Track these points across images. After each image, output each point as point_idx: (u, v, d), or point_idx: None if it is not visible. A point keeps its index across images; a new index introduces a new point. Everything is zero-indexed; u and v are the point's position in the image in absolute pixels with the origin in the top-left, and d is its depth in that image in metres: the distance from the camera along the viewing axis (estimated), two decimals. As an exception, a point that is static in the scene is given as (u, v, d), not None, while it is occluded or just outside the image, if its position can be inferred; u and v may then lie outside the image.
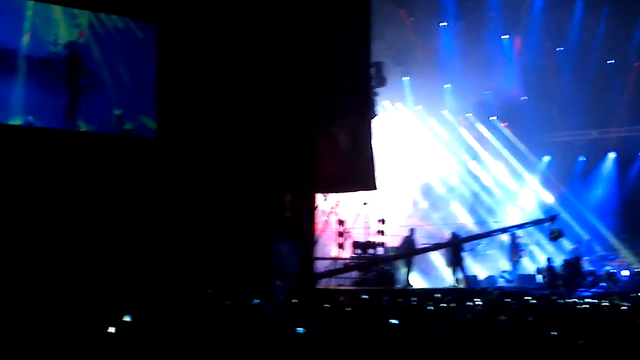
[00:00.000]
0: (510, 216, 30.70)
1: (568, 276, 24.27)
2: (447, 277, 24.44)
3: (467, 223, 28.81)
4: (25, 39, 18.60)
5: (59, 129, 18.94)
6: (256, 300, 14.13)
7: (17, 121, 18.36)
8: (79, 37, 19.43)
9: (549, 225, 24.65)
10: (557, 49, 32.34)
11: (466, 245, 24.53)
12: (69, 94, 19.28)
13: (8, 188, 17.48)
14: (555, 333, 10.55)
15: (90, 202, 18.60)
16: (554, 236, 24.54)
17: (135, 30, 20.22)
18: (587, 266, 26.76)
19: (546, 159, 33.56)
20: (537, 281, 25.07)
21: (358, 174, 22.37)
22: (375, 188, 22.83)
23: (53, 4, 19.09)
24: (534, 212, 30.97)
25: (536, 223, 25.66)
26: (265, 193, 21.72)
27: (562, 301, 17.39)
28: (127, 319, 9.99)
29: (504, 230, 25.42)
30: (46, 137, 18.54)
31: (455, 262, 24.03)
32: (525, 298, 17.72)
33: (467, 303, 15.99)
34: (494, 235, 25.52)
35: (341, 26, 22.12)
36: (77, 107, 19.40)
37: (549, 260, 25.08)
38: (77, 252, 17.83)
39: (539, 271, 25.53)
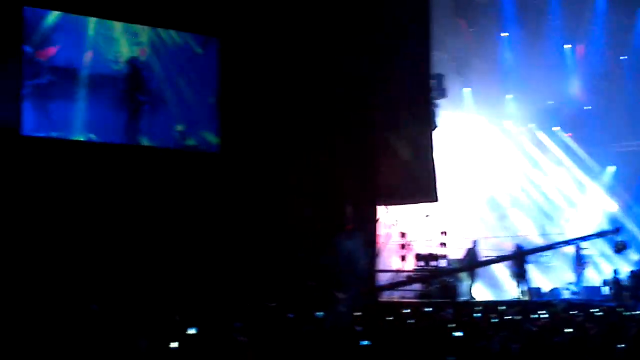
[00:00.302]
0: (573, 227, 30.23)
1: (635, 287, 23.85)
2: (511, 290, 24.15)
3: (531, 235, 28.43)
4: (87, 56, 18.94)
5: (121, 144, 19.25)
6: (319, 313, 14.09)
7: (79, 137, 18.69)
8: (140, 54, 19.73)
9: (613, 237, 24.34)
10: (620, 57, 31.90)
11: (530, 257, 24.25)
12: (130, 111, 19.57)
13: (73, 202, 17.77)
14: (623, 346, 10.35)
15: (154, 215, 18.84)
16: (619, 248, 24.23)
17: (194, 47, 20.48)
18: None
19: (611, 169, 33.04)
20: (603, 293, 24.69)
21: (419, 186, 22.31)
22: (436, 200, 22.75)
23: (114, 20, 19.40)
24: (599, 223, 30.54)
25: (600, 235, 25.26)
26: (326, 205, 21.73)
27: (629, 313, 17.06)
28: (192, 331, 10.04)
29: (567, 242, 25.06)
30: (109, 153, 18.84)
31: (519, 274, 23.77)
32: (591, 310, 17.46)
33: (532, 315, 15.81)
34: (557, 247, 25.17)
35: (402, 37, 22.14)
36: (139, 124, 19.67)
37: (615, 271, 24.68)
38: (144, 265, 18.05)
39: (605, 283, 25.14)
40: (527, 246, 24.91)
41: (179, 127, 20.06)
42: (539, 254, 25.65)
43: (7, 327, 10.40)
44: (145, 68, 19.76)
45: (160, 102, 19.84)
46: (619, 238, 24.32)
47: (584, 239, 25.23)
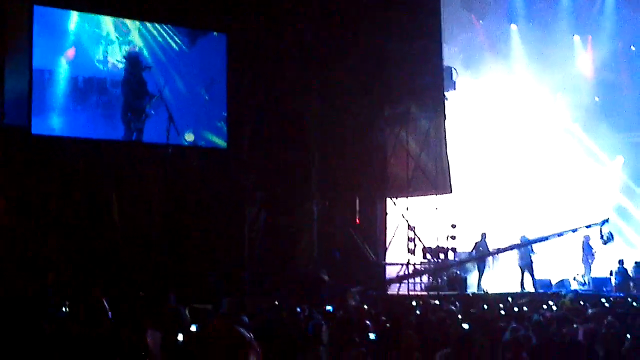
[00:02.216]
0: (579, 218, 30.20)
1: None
2: (520, 281, 24.20)
3: (540, 226, 28.37)
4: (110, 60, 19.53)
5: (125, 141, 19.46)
6: (330, 308, 14.19)
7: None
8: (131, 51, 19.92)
9: (600, 228, 24.64)
10: (631, 48, 31.91)
11: (537, 248, 24.33)
12: (131, 117, 19.77)
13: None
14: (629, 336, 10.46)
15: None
16: (606, 239, 24.43)
17: (182, 44, 20.65)
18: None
19: (620, 159, 33.00)
20: (611, 284, 24.72)
21: (430, 178, 22.39)
22: (451, 191, 22.84)
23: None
24: (608, 213, 30.63)
25: (589, 226, 25.35)
26: (335, 200, 21.88)
27: (637, 304, 17.11)
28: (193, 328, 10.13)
29: (559, 234, 25.10)
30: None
31: (525, 265, 23.89)
32: (602, 301, 17.54)
33: (543, 306, 15.90)
34: (550, 239, 25.11)
35: (412, 31, 22.19)
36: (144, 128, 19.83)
37: (620, 262, 24.74)
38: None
39: (611, 273, 25.17)
40: (533, 237, 24.89)
41: (189, 137, 20.16)
42: (545, 244, 25.59)
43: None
44: (143, 68, 20.00)
45: (164, 106, 19.86)
46: (606, 229, 24.56)
47: (574, 230, 25.27)
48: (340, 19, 21.77)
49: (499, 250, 24.66)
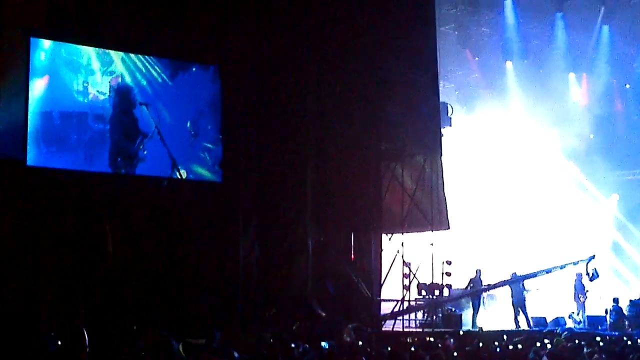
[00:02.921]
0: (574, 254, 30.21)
1: (635, 316, 23.92)
2: (514, 319, 24.12)
3: (535, 262, 28.30)
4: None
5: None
6: (325, 344, 14.11)
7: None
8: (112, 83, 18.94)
9: (586, 264, 24.79)
10: (625, 86, 32.06)
11: (529, 286, 24.32)
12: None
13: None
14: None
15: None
16: (591, 276, 24.70)
17: (165, 77, 19.80)
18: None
19: (614, 197, 33.06)
20: (607, 323, 24.63)
21: (425, 214, 22.36)
22: (448, 227, 22.86)
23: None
24: (603, 251, 30.67)
25: (576, 263, 25.39)
26: (330, 235, 21.84)
27: (631, 343, 17.02)
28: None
29: (547, 271, 25.09)
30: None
31: (519, 303, 23.85)
32: (597, 339, 17.46)
33: (537, 344, 15.81)
34: (538, 275, 25.06)
35: (409, 67, 22.27)
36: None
37: (615, 300, 24.69)
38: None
39: (606, 312, 25.10)
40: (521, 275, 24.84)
41: (183, 173, 19.29)
42: (537, 281, 25.56)
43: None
44: (136, 104, 19.01)
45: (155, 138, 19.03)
46: (592, 266, 24.75)
47: (562, 267, 25.29)
48: (337, 49, 21.83)
49: (489, 287, 24.61)
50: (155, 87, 19.47)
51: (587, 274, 24.87)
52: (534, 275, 24.52)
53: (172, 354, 9.51)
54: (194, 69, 20.32)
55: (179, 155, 18.99)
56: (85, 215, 18.29)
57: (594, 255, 25.31)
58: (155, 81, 19.51)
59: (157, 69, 19.54)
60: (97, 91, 18.50)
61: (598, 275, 24.92)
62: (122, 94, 18.85)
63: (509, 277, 24.48)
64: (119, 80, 18.86)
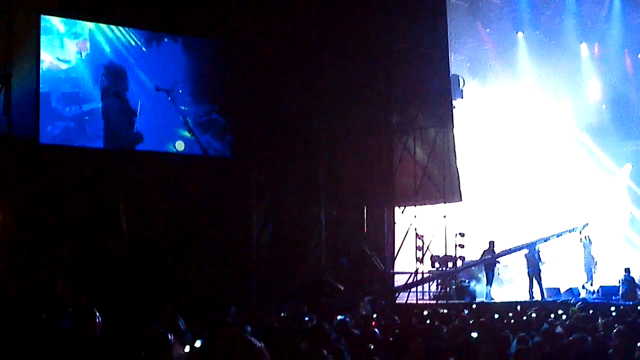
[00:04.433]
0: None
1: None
2: (528, 290, 24.11)
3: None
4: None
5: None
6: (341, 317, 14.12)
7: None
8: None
9: (580, 231, 25.35)
10: (638, 56, 31.84)
11: (545, 257, 24.29)
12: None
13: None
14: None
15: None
16: (584, 243, 25.49)
17: (141, 44, 19.91)
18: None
19: (628, 167, 32.93)
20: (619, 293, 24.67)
21: (438, 187, 22.34)
22: (460, 199, 22.82)
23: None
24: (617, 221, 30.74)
25: (572, 230, 25.49)
26: (343, 209, 21.86)
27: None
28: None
29: (545, 239, 25.08)
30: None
31: (534, 273, 23.80)
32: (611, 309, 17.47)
33: (551, 315, 15.83)
34: (537, 244, 25.04)
35: (419, 40, 22.20)
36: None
37: (626, 270, 24.67)
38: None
39: (619, 282, 25.13)
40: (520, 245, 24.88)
41: (179, 145, 19.81)
42: (551, 252, 25.59)
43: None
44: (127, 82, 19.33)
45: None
46: (585, 233, 25.36)
47: (558, 235, 25.35)
48: (347, 24, 21.77)
49: (494, 257, 24.54)
50: (134, 54, 19.62)
51: (581, 240, 25.29)
52: (533, 244, 24.45)
53: (181, 332, 9.52)
54: (165, 40, 20.28)
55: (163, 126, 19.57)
56: (99, 193, 18.36)
57: (588, 223, 25.37)
58: (134, 49, 19.67)
59: (134, 37, 19.66)
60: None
61: (591, 242, 25.78)
62: (114, 73, 19.17)
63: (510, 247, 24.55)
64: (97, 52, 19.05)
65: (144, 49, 19.80)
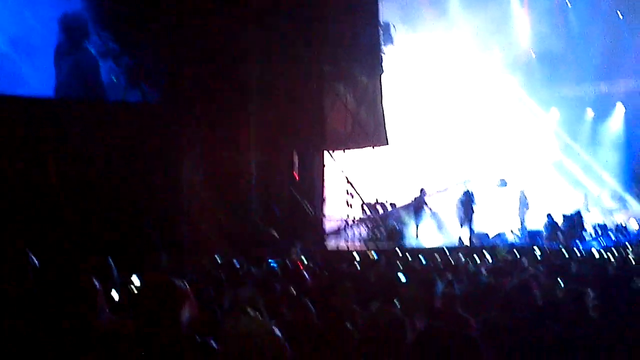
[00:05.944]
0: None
1: (568, 229, 24.73)
2: (457, 234, 24.55)
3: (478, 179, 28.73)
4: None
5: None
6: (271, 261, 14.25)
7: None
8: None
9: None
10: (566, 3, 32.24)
11: (477, 201, 24.72)
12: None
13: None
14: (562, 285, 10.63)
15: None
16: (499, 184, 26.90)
17: None
18: (593, 219, 27.29)
19: (554, 111, 33.50)
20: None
21: (368, 132, 22.51)
22: (386, 143, 23.03)
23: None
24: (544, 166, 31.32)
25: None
26: (274, 155, 21.88)
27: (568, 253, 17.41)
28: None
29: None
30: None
31: (465, 218, 24.21)
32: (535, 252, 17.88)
33: (477, 259, 16.15)
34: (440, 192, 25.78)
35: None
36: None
37: (548, 216, 25.42)
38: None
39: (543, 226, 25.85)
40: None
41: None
42: (485, 197, 26.08)
43: None
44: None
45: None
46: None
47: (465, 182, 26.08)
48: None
49: (417, 202, 24.85)
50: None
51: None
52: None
53: (113, 278, 9.50)
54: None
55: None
56: (27, 143, 18.06)
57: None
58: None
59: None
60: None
61: (506, 184, 27.63)
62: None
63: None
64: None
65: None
